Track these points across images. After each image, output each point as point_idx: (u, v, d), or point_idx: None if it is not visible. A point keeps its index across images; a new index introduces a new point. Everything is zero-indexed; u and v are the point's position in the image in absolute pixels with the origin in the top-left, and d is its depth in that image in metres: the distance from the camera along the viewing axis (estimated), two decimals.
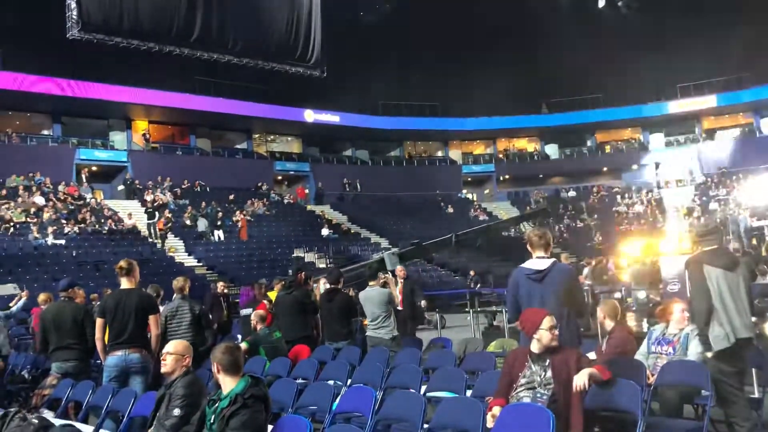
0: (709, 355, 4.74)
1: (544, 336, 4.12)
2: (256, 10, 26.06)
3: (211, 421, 3.82)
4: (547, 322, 4.14)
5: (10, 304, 12.51)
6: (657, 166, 34.59)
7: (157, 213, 23.92)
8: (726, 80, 34.99)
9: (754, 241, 18.71)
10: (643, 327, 8.45)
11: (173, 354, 4.34)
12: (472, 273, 21.83)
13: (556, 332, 4.14)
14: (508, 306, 4.86)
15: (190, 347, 4.51)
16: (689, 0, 31.42)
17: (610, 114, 37.54)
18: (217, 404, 3.84)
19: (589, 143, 40.08)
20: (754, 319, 5.09)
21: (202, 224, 24.70)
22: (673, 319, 5.49)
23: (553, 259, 4.83)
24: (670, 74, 35.24)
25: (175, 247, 23.19)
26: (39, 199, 23.01)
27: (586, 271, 13.75)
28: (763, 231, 19.97)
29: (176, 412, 4.04)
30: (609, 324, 5.85)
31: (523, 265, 4.82)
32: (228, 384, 3.85)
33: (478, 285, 19.30)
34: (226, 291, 11.31)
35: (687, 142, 37.43)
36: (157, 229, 23.22)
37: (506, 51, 32.30)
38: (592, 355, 5.31)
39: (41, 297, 8.63)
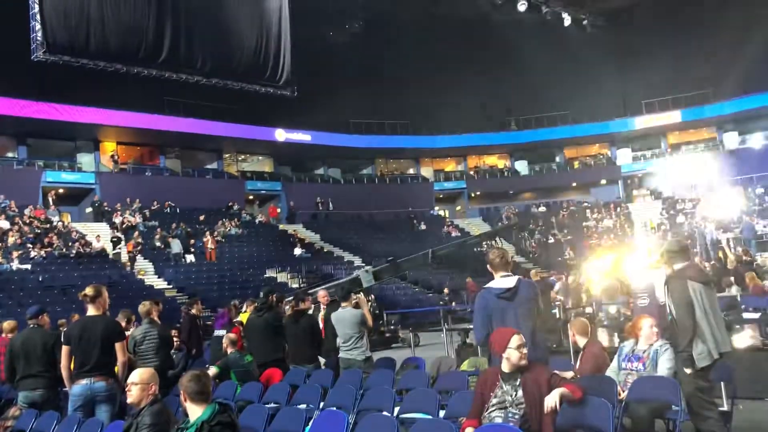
0: (688, 371, 4.74)
1: (512, 355, 4.13)
2: (224, 31, 26.02)
3: None
4: (515, 341, 4.14)
5: None
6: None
7: (123, 238, 23.60)
8: (689, 96, 35.75)
9: (720, 254, 19.01)
10: (614, 342, 8.52)
11: (138, 383, 4.24)
12: (446, 291, 21.83)
13: (525, 351, 4.14)
14: (476, 327, 4.84)
15: (155, 375, 4.41)
16: (652, 18, 32.19)
17: (578, 130, 38.12)
18: None
19: (558, 159, 40.61)
20: None
21: (176, 246, 24.38)
22: (642, 335, 5.51)
23: (518, 276, 4.86)
24: (635, 90, 35.97)
25: (145, 270, 22.86)
26: (3, 223, 22.51)
27: (557, 286, 13.83)
28: (729, 243, 20.33)
29: None
30: (581, 341, 5.90)
31: (489, 285, 4.82)
32: (195, 412, 3.78)
33: (453, 303, 19.31)
34: (200, 313, 11.07)
35: (653, 156, 38.13)
36: (126, 252, 22.91)
37: (475, 69, 32.67)
38: (569, 374, 5.32)
39: (6, 325, 8.38)
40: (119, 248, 23.45)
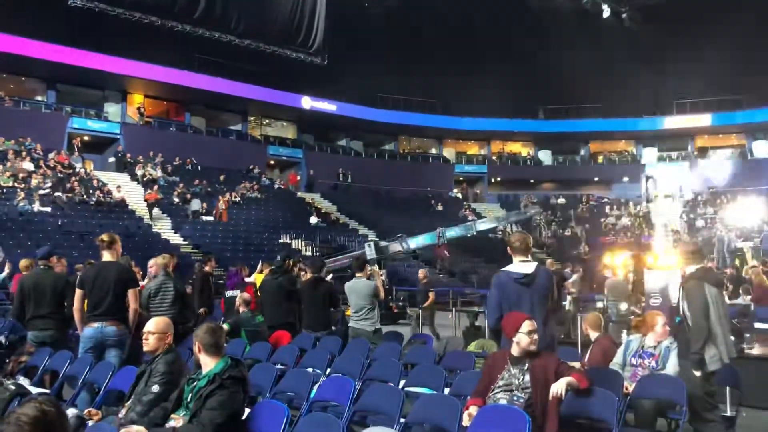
0: (697, 374, 4.74)
1: (522, 339, 4.14)
2: None
3: (188, 399, 3.82)
4: (527, 326, 4.16)
5: None
6: (647, 179, 34.60)
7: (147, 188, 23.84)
8: (722, 100, 35.21)
9: (737, 262, 18.85)
10: (622, 338, 8.52)
11: (155, 333, 4.31)
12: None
13: (535, 337, 4.16)
14: (489, 309, 4.84)
15: (171, 324, 4.48)
16: (693, 17, 31.56)
17: (606, 125, 37.72)
18: (195, 383, 3.83)
19: (582, 152, 40.26)
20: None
21: (195, 203, 24.60)
22: (655, 332, 5.49)
23: (536, 263, 4.85)
24: (667, 90, 35.47)
25: (161, 224, 23.08)
26: (28, 165, 22.82)
27: (574, 277, 13.77)
28: (746, 251, 20.13)
29: (155, 388, 4.03)
30: (593, 335, 5.90)
31: (507, 269, 4.80)
32: (208, 364, 3.85)
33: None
34: (212, 271, 11.16)
35: (679, 158, 37.69)
36: (144, 200, 23.19)
37: (508, 54, 32.34)
38: (576, 365, 5.34)
39: (23, 263, 8.54)
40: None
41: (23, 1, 23.97)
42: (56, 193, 21.64)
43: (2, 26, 24.79)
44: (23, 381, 5.51)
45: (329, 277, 9.49)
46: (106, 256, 6.16)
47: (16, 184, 21.32)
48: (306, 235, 25.02)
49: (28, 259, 8.67)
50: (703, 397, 4.68)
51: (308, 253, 22.81)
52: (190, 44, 27.45)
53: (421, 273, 12.00)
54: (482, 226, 22.43)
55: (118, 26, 24.54)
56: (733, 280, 12.39)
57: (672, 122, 36.80)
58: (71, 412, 4.03)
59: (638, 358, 5.48)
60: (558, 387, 3.95)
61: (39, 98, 28.62)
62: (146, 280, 8.63)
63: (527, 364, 4.15)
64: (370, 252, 19.23)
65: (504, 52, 32.40)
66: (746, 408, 5.64)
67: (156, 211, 23.52)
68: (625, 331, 9.25)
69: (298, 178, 33.73)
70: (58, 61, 26.10)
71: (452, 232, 21.32)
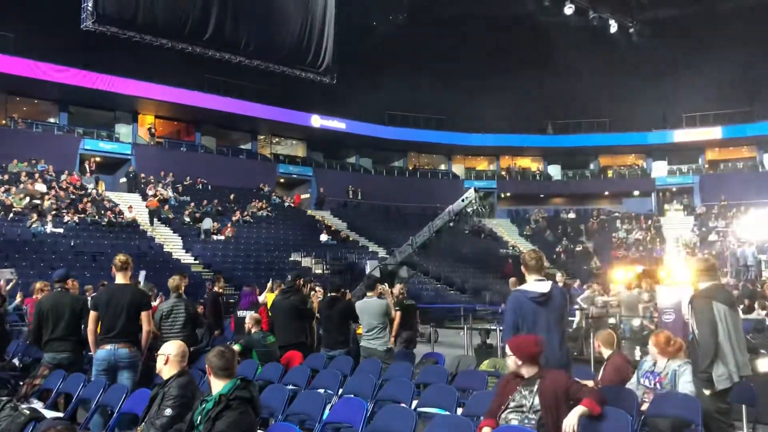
0: (707, 392, 4.69)
1: (509, 362, 4.16)
2: (270, 13, 26.21)
3: (197, 422, 3.82)
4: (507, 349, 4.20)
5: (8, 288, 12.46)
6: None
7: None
8: (732, 113, 35.10)
9: (755, 277, 18.67)
10: (635, 356, 8.44)
11: (167, 355, 4.31)
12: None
13: (520, 362, 4.13)
14: (506, 330, 4.79)
15: (185, 348, 4.49)
16: (701, 31, 31.58)
17: (615, 139, 37.64)
18: (204, 405, 3.84)
19: (592, 166, 40.17)
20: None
21: (207, 223, 24.72)
22: (655, 351, 5.39)
23: (551, 282, 4.82)
24: (677, 103, 35.43)
25: (167, 239, 23.23)
26: (40, 187, 23.00)
27: (586, 293, 13.67)
28: (761, 265, 19.92)
29: (168, 412, 4.04)
30: (606, 352, 5.85)
31: (523, 287, 4.77)
32: (217, 386, 3.86)
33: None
34: (222, 291, 11.17)
35: (690, 172, 37.54)
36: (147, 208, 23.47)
37: (516, 69, 32.43)
38: (589, 383, 5.28)
39: (37, 285, 8.56)
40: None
41: (36, 25, 24.31)
42: (68, 215, 21.78)
43: (16, 50, 25.19)
44: (37, 404, 5.54)
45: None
46: (120, 278, 6.20)
47: (29, 206, 21.49)
48: (316, 253, 25.03)
49: (42, 282, 8.69)
50: (715, 416, 4.63)
51: (318, 271, 22.84)
52: (200, 65, 27.71)
53: (397, 288, 10.16)
54: (437, 222, 22.76)
55: (129, 48, 24.78)
56: (748, 295, 12.27)
57: (682, 135, 36.69)
58: None
59: (645, 379, 5.40)
60: (569, 422, 3.86)
61: (51, 120, 28.92)
62: (158, 301, 8.67)
63: (537, 385, 4.11)
64: (370, 268, 19.46)
65: (512, 68, 32.50)
66: (763, 426, 5.58)
67: (168, 231, 23.66)
68: (638, 348, 9.18)
69: (305, 196, 33.78)
70: (70, 83, 26.39)
71: (420, 238, 21.78)
